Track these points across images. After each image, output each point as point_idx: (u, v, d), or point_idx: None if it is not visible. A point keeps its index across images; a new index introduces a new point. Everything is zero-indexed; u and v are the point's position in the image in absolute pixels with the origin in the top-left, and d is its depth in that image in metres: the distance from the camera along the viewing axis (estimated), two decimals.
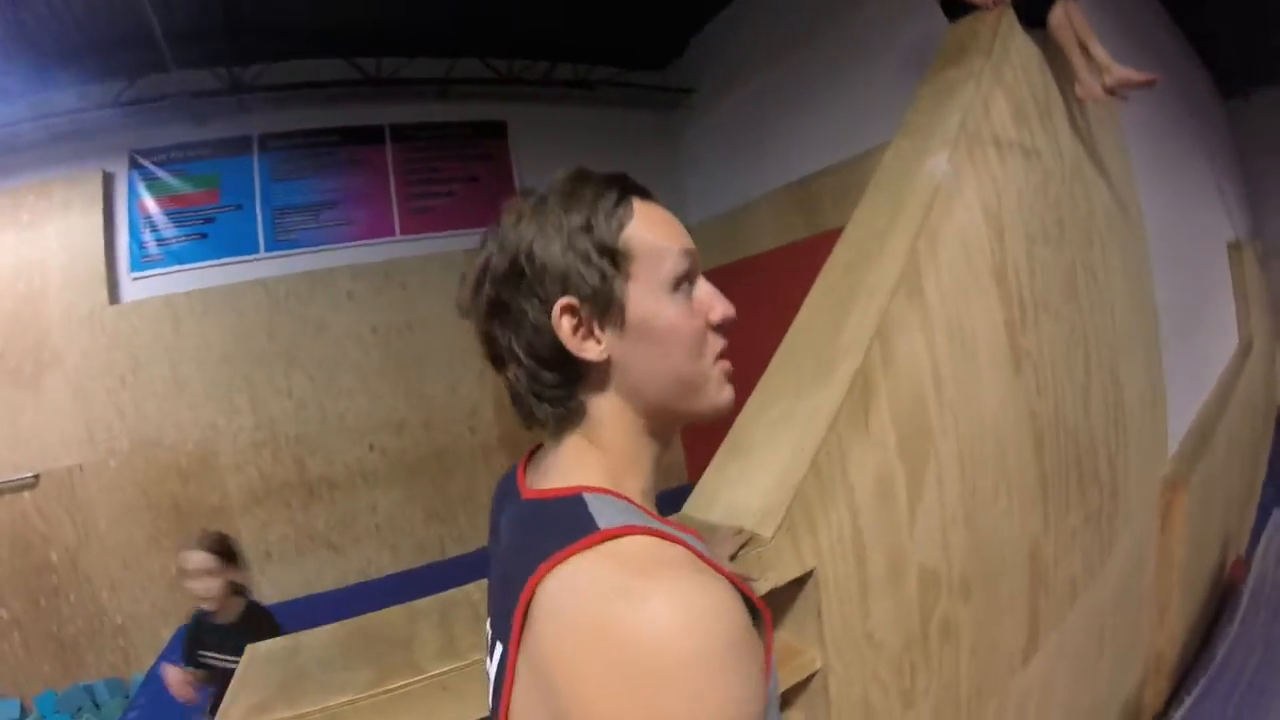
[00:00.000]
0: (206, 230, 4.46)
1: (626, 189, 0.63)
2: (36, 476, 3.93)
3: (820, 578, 1.07)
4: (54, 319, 4.06)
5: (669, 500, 0.84)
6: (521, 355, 0.61)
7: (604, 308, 0.60)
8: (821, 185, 4.24)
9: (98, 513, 4.03)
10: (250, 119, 4.50)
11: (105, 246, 4.22)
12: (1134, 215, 2.53)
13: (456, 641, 0.90)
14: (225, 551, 2.19)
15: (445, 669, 0.83)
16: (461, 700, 0.80)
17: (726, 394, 0.65)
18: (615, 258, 0.61)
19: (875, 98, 3.86)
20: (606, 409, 0.62)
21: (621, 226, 0.62)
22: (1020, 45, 2.21)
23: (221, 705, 0.82)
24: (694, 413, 0.64)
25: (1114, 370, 2.21)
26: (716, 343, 0.64)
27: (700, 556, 0.53)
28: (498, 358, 0.64)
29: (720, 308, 0.64)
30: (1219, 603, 3.42)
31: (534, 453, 0.72)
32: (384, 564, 4.53)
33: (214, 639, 2.16)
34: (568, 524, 0.54)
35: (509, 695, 0.54)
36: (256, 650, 0.97)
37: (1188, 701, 2.62)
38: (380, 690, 0.79)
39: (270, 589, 4.26)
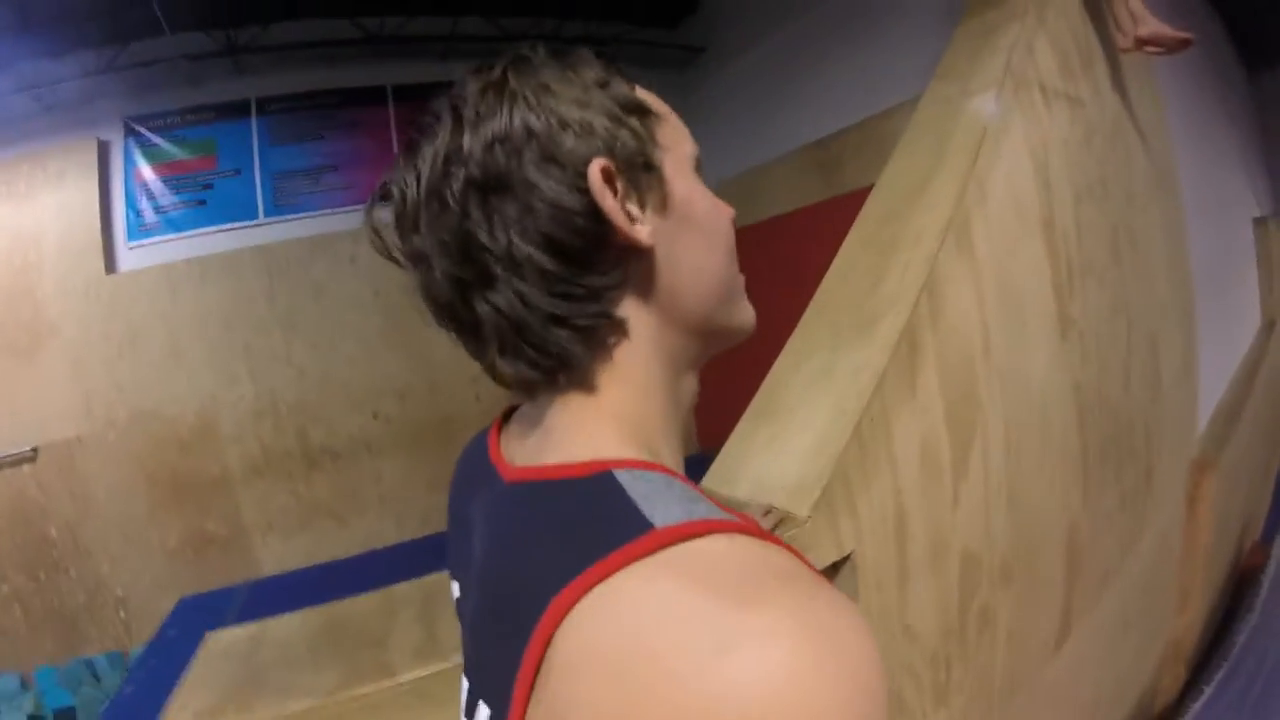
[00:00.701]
0: (204, 197, 4.36)
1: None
2: (35, 450, 3.88)
3: (858, 562, 0.95)
4: (50, 291, 3.99)
5: None
6: (531, 257, 0.42)
7: (645, 176, 0.45)
8: (841, 145, 4.09)
9: (96, 486, 3.98)
10: (248, 82, 4.37)
11: (101, 216, 4.13)
12: (1170, 180, 2.41)
13: (438, 637, 0.77)
14: None
15: (423, 673, 0.70)
16: (440, 708, 0.66)
17: (752, 310, 0.52)
18: (645, 117, 0.47)
19: (896, 54, 3.71)
20: (643, 329, 0.45)
21: (634, 88, 0.48)
22: None
23: (168, 704, 0.72)
24: (732, 329, 0.50)
25: (1154, 343, 2.10)
26: None
27: (802, 559, 0.36)
28: (480, 277, 0.43)
29: (728, 206, 0.51)
30: (1235, 588, 3.35)
31: (506, 417, 0.55)
32: (388, 534, 4.49)
33: None
34: (599, 520, 0.36)
35: None
36: (217, 641, 0.87)
37: (1208, 691, 2.56)
38: (346, 696, 0.67)
39: (271, 561, 4.23)
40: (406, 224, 0.45)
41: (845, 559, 0.96)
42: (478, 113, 0.43)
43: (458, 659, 0.69)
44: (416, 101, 4.62)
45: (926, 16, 3.45)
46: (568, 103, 0.44)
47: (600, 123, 0.44)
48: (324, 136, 4.47)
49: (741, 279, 0.51)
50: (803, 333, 1.10)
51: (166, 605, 3.80)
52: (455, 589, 0.55)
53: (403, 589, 0.91)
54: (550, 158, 0.42)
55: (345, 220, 4.51)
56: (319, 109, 4.46)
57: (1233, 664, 2.68)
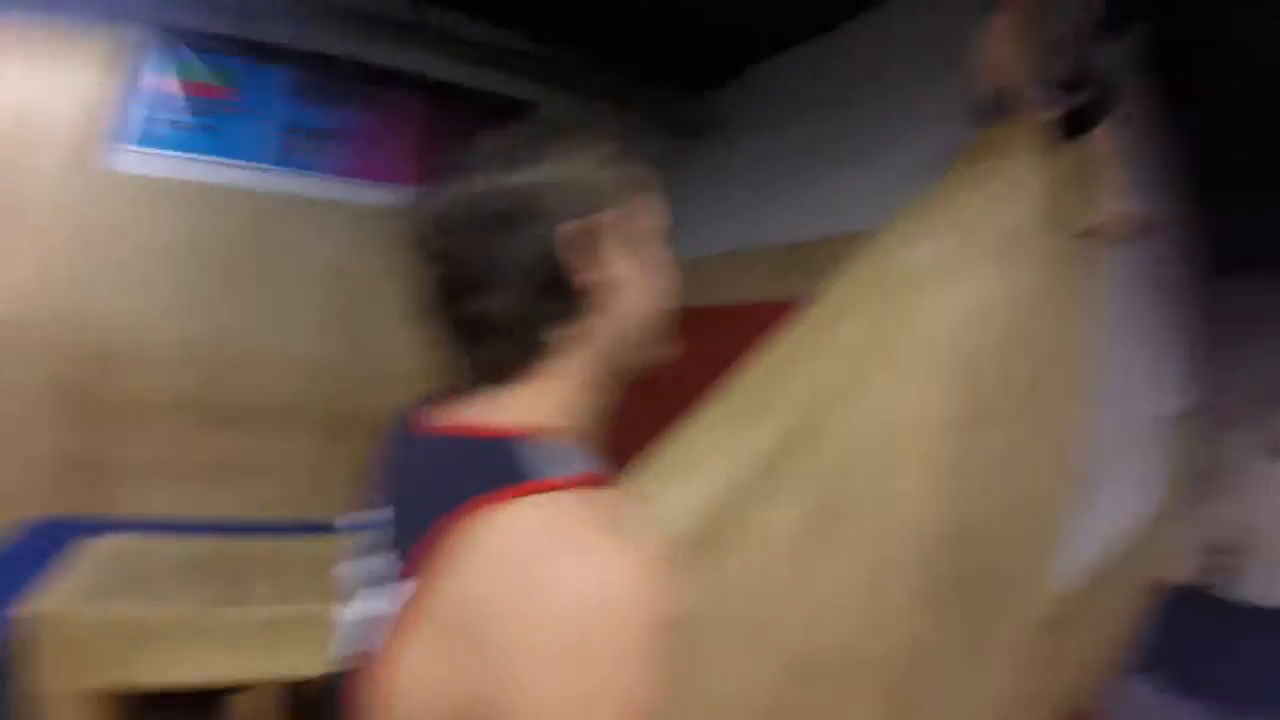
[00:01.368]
0: (213, 123, 4.36)
1: None
2: None
3: (686, 631, 1.05)
4: (28, 167, 3.91)
5: None
6: (525, 273, 0.58)
7: (618, 238, 0.62)
8: (813, 255, 4.17)
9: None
10: (282, 25, 4.42)
11: (100, 111, 4.08)
12: (1095, 351, 2.64)
13: (299, 590, 0.85)
14: None
15: (285, 611, 0.78)
16: (296, 646, 0.75)
17: (672, 349, 0.68)
18: (633, 192, 0.65)
19: (891, 178, 3.92)
20: (595, 342, 0.62)
21: (632, 162, 0.67)
22: (1040, 159, 2.29)
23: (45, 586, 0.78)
24: (655, 356, 0.67)
25: (1035, 497, 2.29)
26: None
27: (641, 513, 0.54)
28: (481, 284, 0.59)
29: (674, 272, 0.70)
30: None
31: (432, 402, 0.70)
32: (286, 509, 4.39)
33: None
34: (508, 466, 0.52)
35: (403, 636, 0.51)
36: (106, 542, 0.93)
37: None
38: (204, 611, 0.75)
39: (154, 505, 4.10)
40: (437, 227, 0.61)
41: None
42: (507, 160, 0.60)
43: (318, 605, 0.78)
44: (446, 99, 4.73)
45: (927, 154, 3.68)
46: (585, 165, 0.61)
47: (605, 183, 0.62)
48: (346, 104, 4.54)
49: (671, 323, 0.67)
50: (704, 413, 1.23)
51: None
52: (360, 542, 0.68)
53: (280, 543, 0.99)
54: (549, 211, 0.59)
55: (347, 191, 4.55)
56: (348, 78, 4.54)
57: None
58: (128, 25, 4.15)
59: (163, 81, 4.23)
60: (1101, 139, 2.18)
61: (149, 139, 4.21)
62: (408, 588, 0.52)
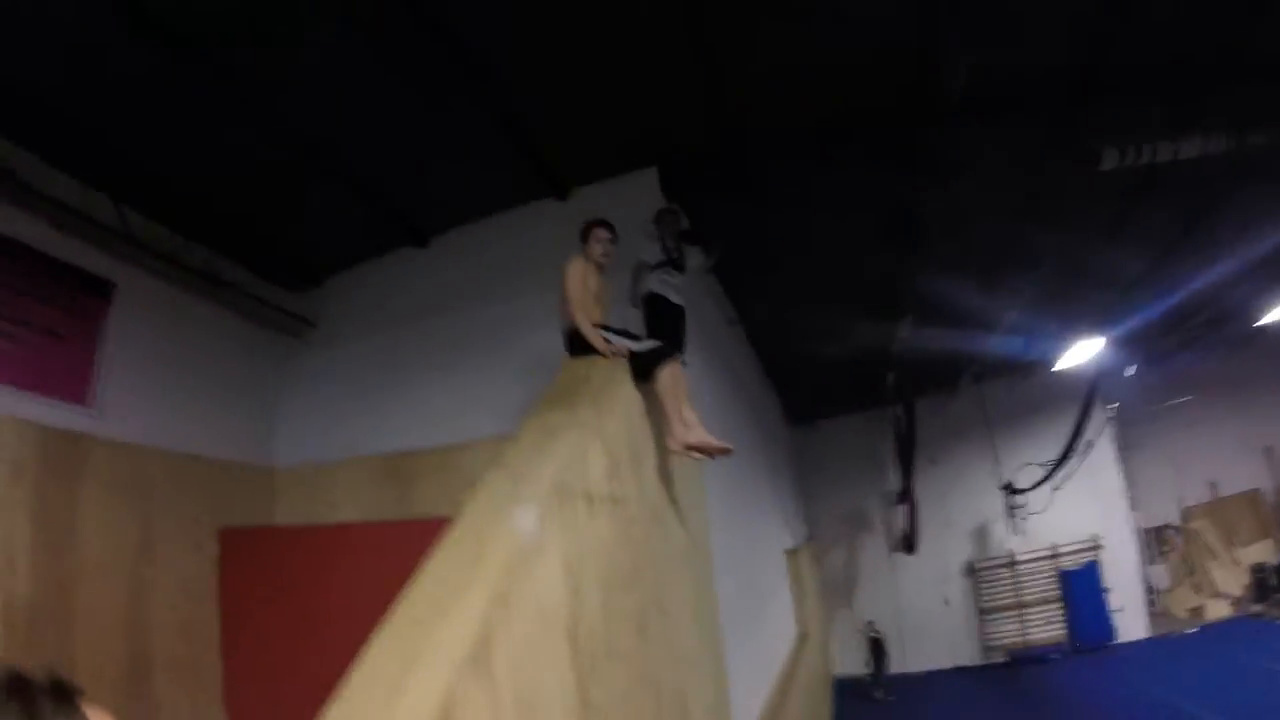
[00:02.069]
0: None
1: None
2: None
3: None
4: None
5: None
6: None
7: None
8: (419, 465, 4.23)
9: None
10: None
11: None
12: (703, 549, 3.01)
13: None
14: None
15: None
16: None
17: None
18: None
19: (488, 390, 4.08)
20: None
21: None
22: (627, 395, 2.65)
23: None
24: None
25: (682, 694, 2.43)
26: None
27: None
28: None
29: None
30: None
31: None
32: None
33: None
34: None
35: None
36: None
37: None
38: None
39: None
40: None
41: None
42: None
43: None
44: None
45: (521, 365, 3.91)
46: None
47: None
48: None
49: None
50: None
51: None
52: None
53: None
54: None
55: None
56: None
57: None
58: None
59: None
60: (668, 379, 2.60)
61: None
62: None
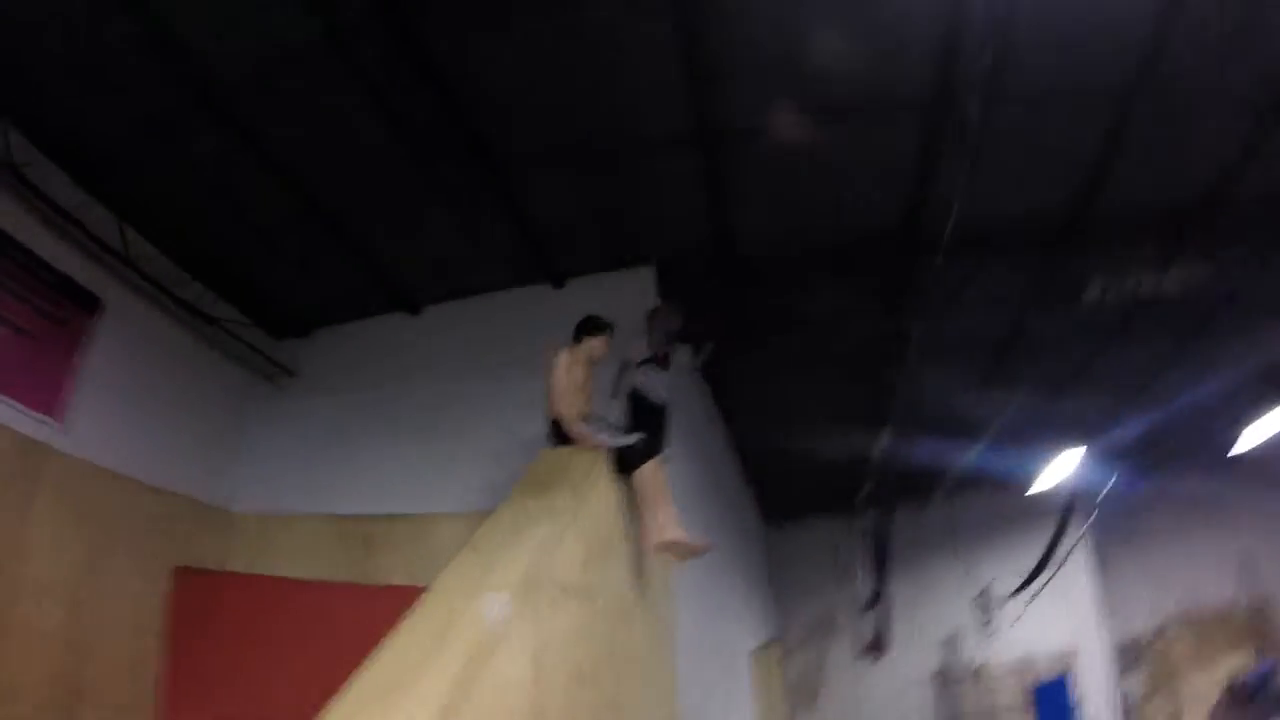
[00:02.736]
0: None
1: None
2: None
3: None
4: None
5: None
6: None
7: None
8: (380, 530, 4.19)
9: None
10: None
11: None
12: (667, 648, 2.98)
13: None
14: None
15: None
16: None
17: None
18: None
19: (456, 464, 4.09)
20: None
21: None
22: (605, 488, 2.70)
23: None
24: None
25: None
26: None
27: None
28: None
29: None
30: None
31: None
32: None
33: None
34: None
35: None
36: None
37: None
38: None
39: None
40: None
41: None
42: None
43: None
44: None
45: (502, 442, 3.90)
46: None
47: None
48: None
49: None
50: None
51: None
52: None
53: None
54: None
55: None
56: None
57: None
58: None
59: None
60: (649, 475, 2.66)
61: None
62: None
